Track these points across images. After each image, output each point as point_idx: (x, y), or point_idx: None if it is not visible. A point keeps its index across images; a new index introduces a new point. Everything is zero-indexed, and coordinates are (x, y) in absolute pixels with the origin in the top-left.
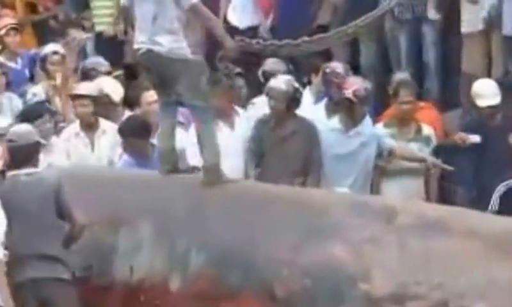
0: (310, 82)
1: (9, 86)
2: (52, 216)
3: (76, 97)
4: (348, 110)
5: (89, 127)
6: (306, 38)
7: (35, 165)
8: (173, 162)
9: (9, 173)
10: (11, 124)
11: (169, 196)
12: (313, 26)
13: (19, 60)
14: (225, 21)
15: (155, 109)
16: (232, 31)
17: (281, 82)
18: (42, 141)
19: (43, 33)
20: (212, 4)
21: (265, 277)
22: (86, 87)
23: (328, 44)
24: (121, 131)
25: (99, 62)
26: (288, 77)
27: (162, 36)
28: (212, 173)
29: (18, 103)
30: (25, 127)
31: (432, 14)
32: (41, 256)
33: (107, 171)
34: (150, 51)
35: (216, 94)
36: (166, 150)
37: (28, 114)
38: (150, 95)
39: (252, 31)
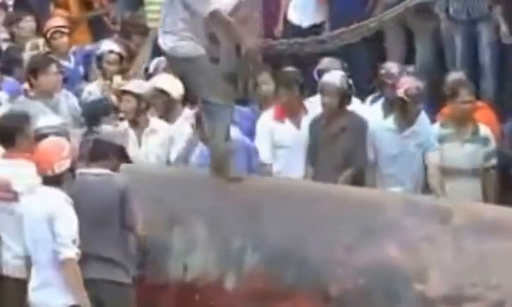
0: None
1: (63, 84)
2: (116, 220)
3: (123, 93)
4: (401, 110)
5: (135, 124)
6: (330, 33)
7: (106, 166)
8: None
9: (79, 170)
10: (66, 122)
11: (222, 194)
12: None
13: (72, 58)
14: (285, 20)
15: None
16: (294, 30)
17: (334, 77)
18: (125, 145)
19: (98, 30)
20: (272, 4)
21: (319, 277)
22: (131, 84)
23: (351, 38)
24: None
25: (160, 60)
26: (341, 73)
27: (167, 36)
28: (220, 172)
29: (74, 101)
30: (112, 129)
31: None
32: (101, 258)
33: (159, 170)
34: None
35: (285, 93)
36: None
37: (91, 112)
38: None
39: (314, 29)
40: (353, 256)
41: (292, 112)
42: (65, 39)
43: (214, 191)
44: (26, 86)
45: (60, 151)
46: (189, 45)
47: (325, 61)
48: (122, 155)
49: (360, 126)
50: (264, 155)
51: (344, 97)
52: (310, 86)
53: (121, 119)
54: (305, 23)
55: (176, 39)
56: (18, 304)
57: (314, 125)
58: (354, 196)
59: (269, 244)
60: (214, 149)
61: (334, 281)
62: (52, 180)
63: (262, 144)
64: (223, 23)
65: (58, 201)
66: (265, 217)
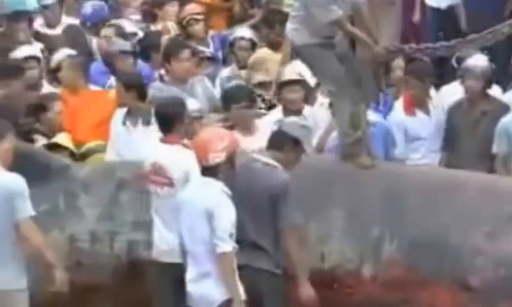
0: None
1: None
2: (271, 211)
3: (289, 83)
4: None
5: (294, 114)
6: (459, 40)
7: (278, 157)
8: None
9: (254, 155)
10: (202, 108)
11: (359, 182)
12: (504, 14)
13: (210, 43)
14: (423, 4)
15: None
16: (433, 12)
17: (478, 60)
18: (304, 138)
19: (231, 15)
20: None
21: (458, 266)
22: (293, 73)
23: (483, 43)
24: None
25: None
26: (484, 57)
27: (290, 22)
28: (351, 159)
29: (209, 86)
30: (296, 120)
31: None
32: (256, 246)
33: None
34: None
35: (416, 85)
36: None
37: (229, 97)
38: None
39: (453, 10)
40: (494, 245)
41: (421, 102)
42: (201, 25)
43: (350, 178)
44: (163, 71)
45: (217, 143)
46: (303, 33)
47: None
48: (296, 148)
49: (502, 110)
50: (399, 149)
51: (487, 81)
52: (448, 75)
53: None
54: (443, 4)
55: (293, 27)
56: (163, 288)
57: (454, 110)
58: (494, 184)
59: (407, 232)
60: (341, 137)
61: (474, 270)
62: (208, 171)
63: (398, 142)
64: (345, 32)
65: (217, 195)
66: (403, 205)
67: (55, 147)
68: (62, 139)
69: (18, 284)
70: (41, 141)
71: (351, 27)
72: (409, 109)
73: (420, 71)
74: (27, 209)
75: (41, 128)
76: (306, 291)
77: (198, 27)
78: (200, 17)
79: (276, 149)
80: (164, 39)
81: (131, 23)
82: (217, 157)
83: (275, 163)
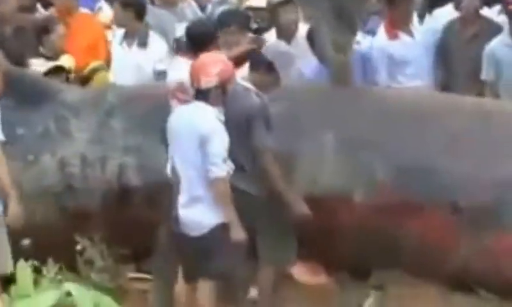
0: None
1: None
2: (247, 132)
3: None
4: None
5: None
6: None
7: (253, 79)
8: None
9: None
10: None
11: (352, 107)
12: None
13: None
14: None
15: None
16: None
17: None
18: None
19: None
20: None
21: (448, 190)
22: None
23: None
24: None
25: None
26: None
27: None
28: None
29: (197, 10)
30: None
31: None
32: (236, 165)
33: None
34: None
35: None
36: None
37: (219, 21)
38: None
39: None
40: (484, 170)
41: (405, 22)
42: None
43: (344, 104)
44: None
45: (211, 67)
46: None
47: None
48: (271, 72)
49: (494, 31)
50: (381, 75)
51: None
52: None
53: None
54: None
55: None
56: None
57: (447, 31)
58: (486, 108)
59: (398, 157)
60: (329, 62)
61: (464, 194)
62: (200, 94)
63: (379, 67)
64: None
65: (210, 120)
66: (394, 130)
67: (57, 70)
68: (66, 61)
69: None
70: (41, 63)
71: None
72: (392, 32)
73: None
74: None
75: (44, 50)
76: (299, 206)
77: None
78: None
79: (253, 70)
80: None
81: None
82: (209, 82)
83: (251, 86)
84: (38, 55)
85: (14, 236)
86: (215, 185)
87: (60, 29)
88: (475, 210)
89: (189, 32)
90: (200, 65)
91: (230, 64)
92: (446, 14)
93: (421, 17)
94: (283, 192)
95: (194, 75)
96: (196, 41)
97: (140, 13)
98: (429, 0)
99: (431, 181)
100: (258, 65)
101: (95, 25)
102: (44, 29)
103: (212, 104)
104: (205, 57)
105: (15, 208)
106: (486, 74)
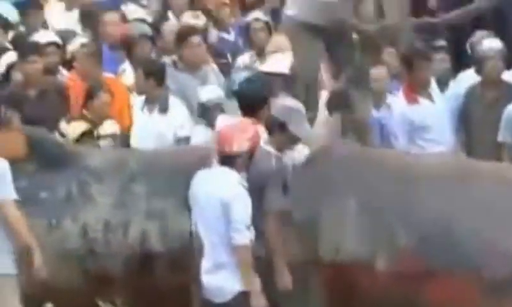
0: None
1: (223, 57)
2: (260, 196)
3: None
4: None
5: None
6: None
7: (270, 142)
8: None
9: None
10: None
11: (371, 172)
12: None
13: (231, 31)
14: None
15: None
16: None
17: (495, 42)
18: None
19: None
20: None
21: (470, 257)
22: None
23: None
24: None
25: None
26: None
27: None
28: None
29: (220, 76)
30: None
31: None
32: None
33: None
34: None
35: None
36: None
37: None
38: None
39: None
40: (507, 238)
41: (425, 86)
42: (227, 10)
43: (365, 168)
44: (175, 57)
45: (243, 133)
46: None
47: (478, 34)
48: (284, 132)
49: None
50: (401, 141)
51: (504, 63)
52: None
53: None
54: None
55: None
56: None
57: (468, 95)
58: (508, 175)
59: (421, 223)
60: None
61: (486, 262)
62: (227, 159)
63: (398, 133)
64: None
65: (234, 186)
66: (417, 195)
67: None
68: (110, 126)
69: (7, 269)
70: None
71: None
72: (411, 96)
73: (425, 50)
74: (6, 191)
75: (89, 115)
76: (285, 277)
77: (224, 13)
78: (226, 1)
79: (268, 133)
80: (167, 25)
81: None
82: (241, 146)
83: (268, 149)
84: (61, 118)
85: (37, 301)
86: (238, 252)
87: (103, 96)
88: (497, 278)
89: (241, 93)
90: (232, 129)
91: (258, 130)
92: (469, 78)
93: (445, 83)
94: (274, 258)
95: (227, 139)
96: (247, 104)
97: (161, 80)
98: (453, 65)
99: (453, 248)
100: (270, 128)
101: (119, 92)
102: (89, 93)
103: (238, 170)
104: (236, 122)
105: (38, 259)
106: (502, 136)
